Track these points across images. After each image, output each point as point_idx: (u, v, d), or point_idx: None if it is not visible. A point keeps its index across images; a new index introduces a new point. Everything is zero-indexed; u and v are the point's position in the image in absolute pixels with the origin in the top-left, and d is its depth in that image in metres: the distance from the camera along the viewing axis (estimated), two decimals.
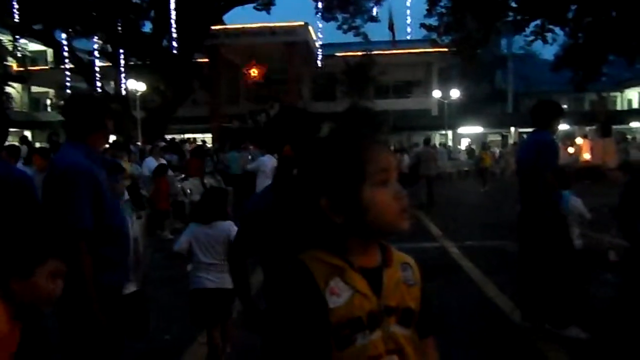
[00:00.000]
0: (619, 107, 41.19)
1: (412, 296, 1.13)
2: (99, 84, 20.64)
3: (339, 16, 27.17)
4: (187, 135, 26.09)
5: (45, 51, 31.27)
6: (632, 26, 15.54)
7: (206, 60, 25.14)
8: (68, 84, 22.98)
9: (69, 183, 2.08)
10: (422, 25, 20.15)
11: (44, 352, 2.18)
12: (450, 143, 31.43)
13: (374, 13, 27.37)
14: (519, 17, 18.03)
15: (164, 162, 10.16)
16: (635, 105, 41.96)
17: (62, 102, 28.23)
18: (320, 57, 29.56)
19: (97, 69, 20.78)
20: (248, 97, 30.67)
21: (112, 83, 22.91)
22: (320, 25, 29.15)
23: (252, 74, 27.26)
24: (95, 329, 2.09)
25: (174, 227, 8.88)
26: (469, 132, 33.85)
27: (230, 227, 3.24)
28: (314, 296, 1.03)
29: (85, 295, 2.06)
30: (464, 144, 32.78)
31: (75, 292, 2.05)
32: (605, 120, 17.06)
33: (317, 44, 29.21)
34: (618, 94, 40.99)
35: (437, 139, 33.70)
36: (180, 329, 4.37)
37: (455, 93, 28.97)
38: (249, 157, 13.98)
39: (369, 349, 1.05)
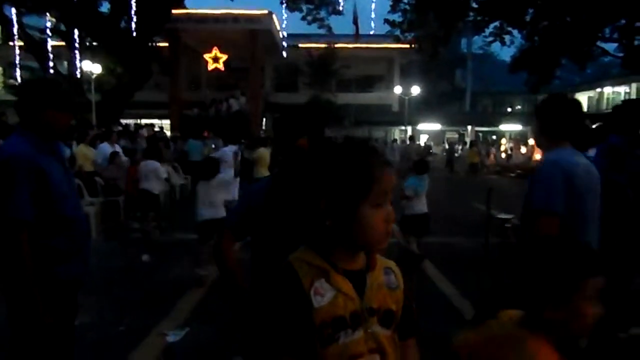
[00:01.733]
0: None
1: (394, 299, 1.19)
2: (51, 64, 19.73)
3: (304, 7, 27.02)
4: (144, 121, 25.38)
5: None
6: (584, 32, 16.17)
7: (166, 44, 24.48)
8: (17, 62, 21.87)
9: (8, 173, 2.00)
10: (386, 20, 20.27)
11: None
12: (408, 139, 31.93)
13: (339, 6, 27.37)
14: (479, 18, 18.42)
15: (118, 148, 9.84)
16: (584, 109, 43.88)
17: (10, 80, 26.89)
18: (283, 47, 29.33)
19: (49, 48, 19.83)
20: (209, 84, 30.15)
21: (66, 63, 21.97)
22: (285, 15, 28.98)
23: (214, 61, 26.76)
24: (35, 322, 2.02)
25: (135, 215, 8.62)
26: (428, 128, 34.49)
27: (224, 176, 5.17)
28: (299, 296, 1.09)
29: (24, 288, 2.00)
30: (423, 140, 33.43)
31: (16, 284, 2.01)
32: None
33: (281, 34, 28.96)
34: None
35: (396, 134, 34.18)
36: (135, 319, 4.28)
37: (415, 89, 29.41)
38: (212, 146, 13.81)
39: (352, 348, 1.11)
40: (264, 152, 9.67)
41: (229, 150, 9.01)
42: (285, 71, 32.18)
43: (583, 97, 43.27)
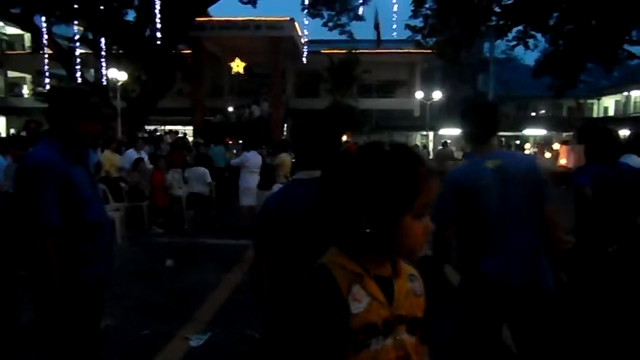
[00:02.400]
0: (595, 114, 41.93)
1: (419, 306, 1.22)
2: (78, 72, 20.20)
3: (325, 13, 27.13)
4: (168, 127, 25.75)
5: (22, 35, 30.49)
6: (610, 35, 15.86)
7: (189, 51, 24.84)
8: (46, 70, 22.45)
9: (34, 180, 2.05)
10: (407, 26, 20.27)
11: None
12: (431, 144, 31.70)
13: (360, 12, 27.44)
14: (501, 22, 18.23)
15: (144, 154, 10.02)
16: (611, 113, 42.80)
17: (39, 88, 27.59)
18: (304, 53, 29.47)
19: (77, 56, 20.32)
20: (231, 90, 30.46)
21: (92, 71, 22.45)
22: (306, 22, 29.08)
23: (236, 68, 27.05)
24: (59, 326, 2.07)
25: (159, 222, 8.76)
26: (450, 133, 34.20)
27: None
28: (337, 301, 1.09)
29: (50, 293, 2.04)
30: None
31: (42, 288, 2.05)
32: (582, 127, 17.38)
33: (302, 40, 29.12)
34: (595, 101, 41.76)
35: (417, 139, 33.94)
36: (159, 324, 4.33)
37: (437, 95, 29.20)
38: (234, 151, 13.91)
39: (382, 354, 1.12)
40: (286, 158, 9.69)
41: (252, 155, 9.04)
42: (306, 77, 32.30)
43: (610, 101, 42.35)
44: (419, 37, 20.03)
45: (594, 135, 3.59)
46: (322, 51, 29.46)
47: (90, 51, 20.98)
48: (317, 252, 1.21)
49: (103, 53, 20.08)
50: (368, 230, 1.08)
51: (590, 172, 3.47)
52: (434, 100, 29.33)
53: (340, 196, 1.10)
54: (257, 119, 24.62)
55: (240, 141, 15.45)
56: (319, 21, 27.28)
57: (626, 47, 17.19)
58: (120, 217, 7.85)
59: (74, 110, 2.18)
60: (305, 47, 29.48)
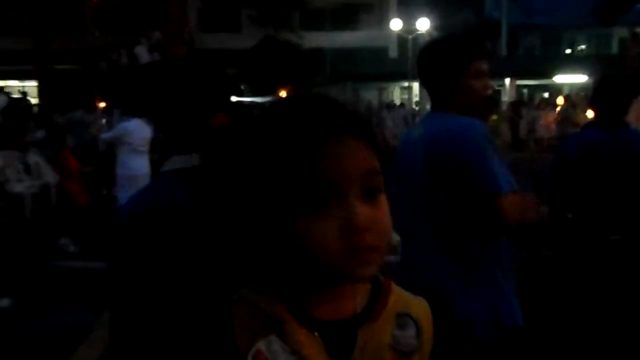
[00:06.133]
0: None
1: None
2: None
3: None
4: None
5: None
6: None
7: None
8: None
9: None
10: None
11: None
12: (416, 99, 32.09)
13: None
14: None
15: None
16: None
17: None
18: None
19: None
20: (99, 23, 29.76)
21: None
22: None
23: None
24: None
25: None
26: None
27: None
28: None
29: None
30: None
31: None
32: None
33: None
34: None
35: (396, 93, 34.38)
36: None
37: (423, 24, 29.59)
38: (103, 121, 13.68)
39: None
40: None
41: (136, 125, 8.86)
42: (219, 0, 32.03)
43: None
44: None
45: (599, 90, 4.22)
46: None
47: None
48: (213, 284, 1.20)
49: None
50: (269, 253, 1.04)
51: (575, 141, 4.28)
52: (419, 32, 29.71)
53: (246, 197, 1.06)
54: (143, 66, 24.21)
55: (103, 104, 15.48)
56: None
57: None
58: None
59: None
60: None
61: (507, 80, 35.38)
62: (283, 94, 25.01)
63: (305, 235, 0.98)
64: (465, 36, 2.81)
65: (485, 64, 2.66)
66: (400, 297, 1.14)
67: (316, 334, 1.04)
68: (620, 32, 37.33)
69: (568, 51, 45.41)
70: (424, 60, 2.83)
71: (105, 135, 9.51)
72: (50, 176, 9.64)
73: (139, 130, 8.79)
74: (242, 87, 32.03)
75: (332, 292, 1.07)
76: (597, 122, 4.15)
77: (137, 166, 8.59)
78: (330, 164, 0.98)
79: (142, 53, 24.45)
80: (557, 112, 26.11)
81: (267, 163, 1.01)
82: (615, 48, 41.83)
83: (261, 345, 1.02)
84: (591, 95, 4.40)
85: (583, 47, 46.45)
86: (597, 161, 3.94)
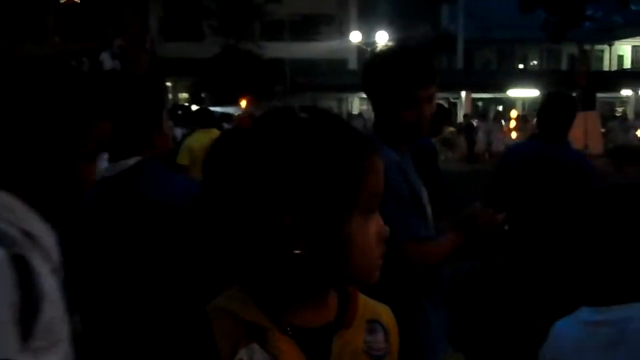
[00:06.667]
0: (606, 65, 43.90)
1: None
2: None
3: None
4: None
5: None
6: None
7: None
8: None
9: None
10: None
11: None
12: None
13: None
14: None
15: None
16: (627, 64, 45.17)
17: None
18: None
19: None
20: (60, 30, 29.34)
21: None
22: None
23: None
24: None
25: None
26: None
27: None
28: None
29: None
30: None
31: None
32: (588, 86, 18.35)
33: None
34: (606, 46, 43.96)
35: (356, 105, 34.52)
36: None
37: (382, 37, 29.83)
38: None
39: None
40: None
41: None
42: (181, 8, 31.81)
43: (626, 47, 44.94)
44: None
45: (543, 106, 4.39)
46: None
47: None
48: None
49: None
50: (298, 252, 1.01)
51: (518, 152, 4.57)
52: (378, 45, 29.85)
53: (238, 208, 1.03)
54: (108, 73, 23.93)
55: None
56: None
57: None
58: None
59: None
60: None
61: (463, 93, 35.59)
62: (243, 103, 24.94)
63: (358, 238, 1.03)
64: (412, 60, 2.41)
65: (430, 90, 2.38)
66: (367, 304, 1.16)
67: (295, 341, 1.06)
68: (569, 49, 37.99)
69: (521, 66, 45.88)
70: (367, 79, 2.53)
71: None
72: None
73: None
74: (203, 95, 31.87)
75: (310, 299, 1.08)
76: (539, 135, 4.34)
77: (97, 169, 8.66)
78: (376, 178, 1.06)
79: (106, 60, 24.27)
80: (510, 125, 26.48)
81: (328, 171, 1.01)
82: (565, 64, 42.45)
83: (243, 354, 1.03)
84: (537, 110, 4.60)
85: (535, 62, 46.90)
86: (533, 173, 4.14)
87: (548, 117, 4.23)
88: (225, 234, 1.07)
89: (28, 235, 1.08)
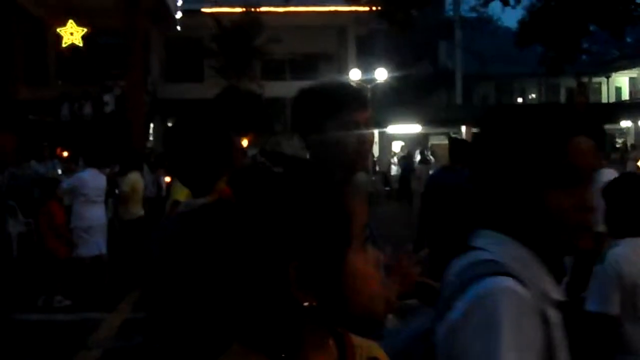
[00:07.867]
0: (604, 97, 44.49)
1: None
2: None
3: None
4: None
5: None
6: None
7: None
8: None
9: None
10: None
11: None
12: (376, 147, 32.27)
13: None
14: None
15: None
16: (625, 95, 45.55)
17: None
18: (178, 14, 29.26)
19: None
20: (62, 74, 29.49)
21: None
22: None
23: (69, 37, 26.29)
24: None
25: None
26: (403, 131, 35.11)
27: None
28: None
29: None
30: (396, 148, 33.93)
31: None
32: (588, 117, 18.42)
33: None
34: (603, 79, 44.41)
35: None
36: None
37: (381, 74, 29.91)
38: (59, 171, 13.70)
39: None
40: (137, 180, 9.53)
41: (89, 176, 8.79)
42: (182, 50, 32.02)
43: (623, 79, 45.31)
44: None
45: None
46: (204, 10, 29.37)
47: None
48: None
49: None
50: (307, 303, 0.99)
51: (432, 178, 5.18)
52: (377, 82, 30.00)
53: (241, 262, 1.01)
54: (110, 114, 24.06)
55: (66, 153, 15.47)
56: None
57: None
58: None
59: None
60: (179, 3, 29.29)
61: (463, 128, 35.70)
62: (245, 142, 24.94)
63: (358, 274, 1.01)
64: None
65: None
66: (360, 343, 1.15)
67: None
68: (567, 82, 38.28)
69: (520, 100, 46.17)
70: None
71: (65, 185, 9.41)
72: (15, 226, 9.51)
73: (93, 180, 8.76)
74: None
75: (316, 346, 1.04)
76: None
77: (93, 217, 8.57)
78: (362, 210, 1.09)
79: (110, 102, 24.37)
80: None
81: (327, 213, 1.01)
82: (563, 97, 42.72)
83: None
84: None
85: (533, 95, 47.26)
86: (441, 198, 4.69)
87: None
88: (229, 295, 1.05)
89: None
